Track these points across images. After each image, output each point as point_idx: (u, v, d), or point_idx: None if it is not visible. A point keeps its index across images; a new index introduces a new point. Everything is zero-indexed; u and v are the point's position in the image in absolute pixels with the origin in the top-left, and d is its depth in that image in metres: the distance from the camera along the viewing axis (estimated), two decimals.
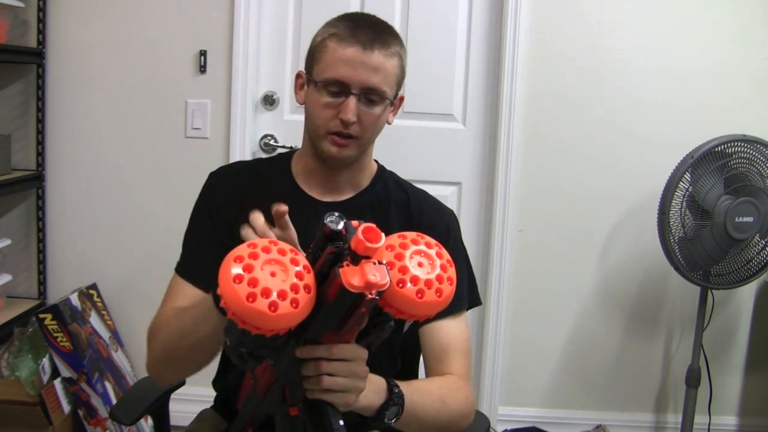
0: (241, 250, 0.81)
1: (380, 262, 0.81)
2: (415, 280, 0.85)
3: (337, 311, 0.83)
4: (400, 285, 0.85)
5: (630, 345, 2.60)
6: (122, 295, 2.56)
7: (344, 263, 0.81)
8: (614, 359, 2.61)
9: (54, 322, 2.25)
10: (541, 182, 2.52)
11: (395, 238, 0.90)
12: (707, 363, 2.48)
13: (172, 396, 1.50)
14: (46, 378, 2.26)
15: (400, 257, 0.86)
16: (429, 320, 1.27)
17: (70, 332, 2.26)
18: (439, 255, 0.89)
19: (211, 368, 1.45)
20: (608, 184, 2.51)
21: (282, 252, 0.81)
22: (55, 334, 2.25)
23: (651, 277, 2.55)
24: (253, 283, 0.78)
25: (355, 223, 0.84)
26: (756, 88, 2.47)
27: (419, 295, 0.85)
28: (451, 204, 2.54)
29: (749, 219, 2.18)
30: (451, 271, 0.89)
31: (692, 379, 2.38)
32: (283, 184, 1.34)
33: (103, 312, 2.52)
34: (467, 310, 1.37)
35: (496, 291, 2.54)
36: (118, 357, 2.49)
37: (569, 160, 2.51)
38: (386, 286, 0.80)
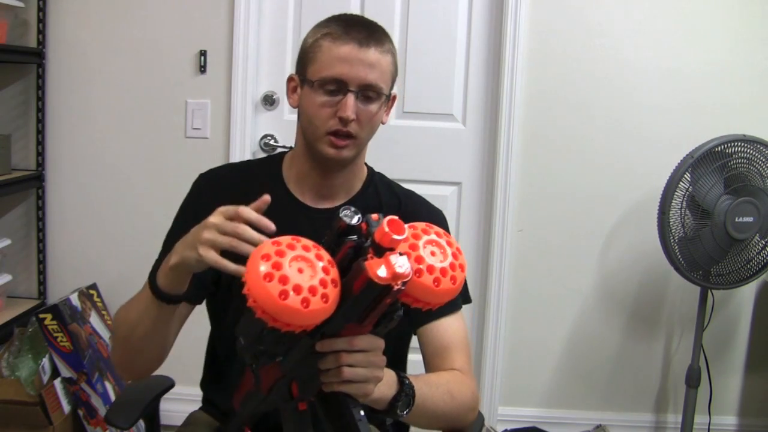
0: (267, 248, 0.81)
1: (400, 253, 0.82)
2: (431, 269, 0.86)
3: (362, 304, 0.83)
4: (418, 274, 0.86)
5: (630, 345, 2.60)
6: (122, 295, 2.52)
7: (368, 256, 0.82)
8: (614, 359, 2.61)
9: (54, 322, 2.25)
10: (541, 182, 2.52)
11: (407, 229, 0.90)
12: (707, 363, 2.48)
13: (163, 396, 1.50)
14: (46, 378, 2.26)
15: (414, 248, 0.87)
16: (428, 319, 1.29)
17: (70, 332, 2.26)
18: (449, 243, 0.90)
19: (201, 367, 1.45)
20: (608, 183, 2.51)
21: (306, 248, 0.82)
22: (55, 334, 2.26)
23: (651, 277, 2.55)
24: (283, 280, 0.78)
25: (374, 216, 0.85)
26: (756, 88, 2.47)
27: (436, 284, 0.86)
28: (451, 204, 2.54)
29: (749, 219, 2.18)
30: (462, 258, 0.90)
31: (692, 379, 2.38)
32: (275, 190, 1.33)
33: (103, 312, 2.52)
34: (461, 307, 1.37)
35: (496, 291, 2.54)
36: None
37: (569, 160, 2.51)
38: (410, 276, 0.81)
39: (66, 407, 2.26)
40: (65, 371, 2.26)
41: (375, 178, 1.39)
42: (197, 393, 1.47)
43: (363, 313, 0.85)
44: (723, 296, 2.52)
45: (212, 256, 1.00)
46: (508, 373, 2.61)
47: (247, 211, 1.00)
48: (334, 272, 0.82)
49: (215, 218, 1.01)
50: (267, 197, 1.03)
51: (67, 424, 2.26)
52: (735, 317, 2.60)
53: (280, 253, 0.80)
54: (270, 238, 0.86)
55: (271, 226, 0.99)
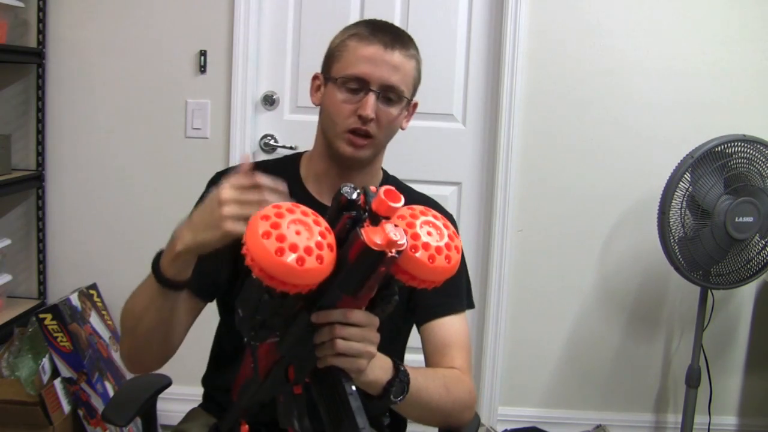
0: (267, 210, 0.84)
1: (396, 225, 0.85)
2: (426, 246, 0.89)
3: (358, 271, 0.86)
4: (413, 250, 0.88)
5: (630, 345, 2.60)
6: (122, 295, 2.52)
7: (364, 224, 0.85)
8: (614, 359, 2.61)
9: (54, 322, 2.25)
10: (541, 182, 2.53)
11: (405, 210, 0.92)
12: (707, 363, 2.48)
13: (160, 395, 1.51)
14: (46, 378, 2.26)
15: (411, 225, 0.90)
16: (431, 316, 1.30)
17: (70, 332, 2.26)
18: (446, 226, 0.92)
19: (200, 366, 1.46)
20: (608, 183, 2.51)
21: (305, 213, 0.85)
22: (55, 334, 2.25)
23: (651, 277, 2.55)
24: (281, 238, 0.81)
25: (372, 188, 0.88)
26: (756, 88, 2.47)
27: (431, 260, 0.88)
28: (451, 204, 2.55)
29: (749, 219, 2.18)
30: (458, 242, 0.92)
31: (692, 379, 2.38)
32: (293, 190, 1.34)
33: (103, 312, 2.52)
34: (465, 310, 1.38)
35: (496, 291, 2.54)
36: (118, 357, 2.49)
37: (569, 160, 2.51)
38: (405, 246, 0.84)
39: (66, 407, 2.26)
40: (65, 371, 2.26)
41: (390, 181, 1.41)
42: (196, 392, 1.47)
43: (359, 283, 0.87)
44: (723, 296, 2.52)
45: (243, 228, 0.99)
46: (508, 373, 2.61)
47: (264, 178, 1.01)
48: (330, 238, 0.85)
49: (229, 193, 1.01)
50: (247, 155, 1.06)
51: (67, 424, 2.26)
52: (735, 317, 2.60)
53: (280, 215, 0.83)
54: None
55: (282, 186, 1.02)
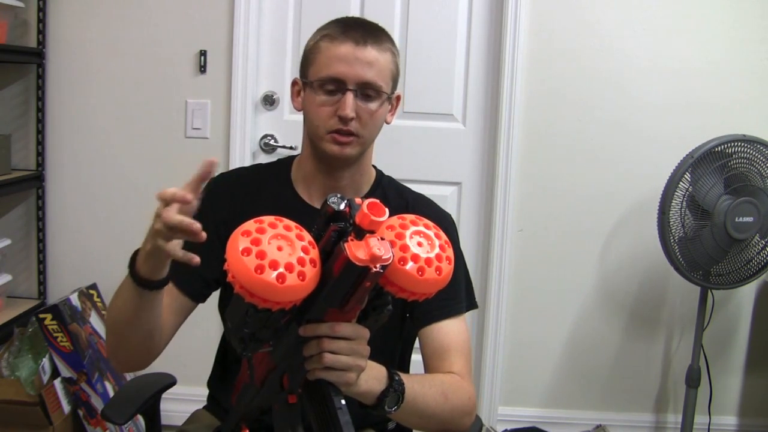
0: (248, 225, 0.83)
1: (382, 239, 0.84)
2: (415, 258, 0.87)
3: (342, 286, 0.84)
4: (402, 263, 0.87)
5: (630, 345, 2.60)
6: None
7: (348, 238, 0.83)
8: (614, 359, 2.61)
9: (54, 322, 2.25)
10: (541, 182, 2.53)
11: (395, 219, 0.91)
12: (707, 363, 2.48)
13: (164, 396, 1.50)
14: (46, 378, 2.26)
15: (400, 236, 0.89)
16: (429, 320, 1.29)
17: (70, 332, 2.26)
18: (437, 236, 0.91)
19: (205, 367, 1.46)
20: (608, 183, 2.51)
21: (288, 228, 0.84)
22: (55, 334, 2.25)
23: (651, 277, 2.55)
24: (261, 255, 0.80)
25: (358, 200, 0.86)
26: (756, 88, 2.47)
27: (420, 273, 0.87)
28: (451, 204, 2.55)
29: (749, 219, 2.18)
30: (449, 251, 0.91)
31: (692, 379, 2.38)
32: (283, 193, 1.35)
33: (103, 312, 2.52)
34: (465, 312, 1.37)
35: (496, 291, 2.54)
36: None
37: (569, 160, 2.51)
38: (390, 260, 0.82)
39: (66, 407, 2.26)
40: (65, 371, 2.26)
41: (384, 180, 1.39)
42: (200, 393, 1.47)
43: (344, 297, 0.86)
44: (723, 296, 2.52)
45: (181, 257, 0.99)
46: (508, 373, 2.61)
47: (171, 217, 0.97)
48: (314, 253, 0.84)
49: (158, 223, 0.99)
50: (214, 160, 1.03)
51: (67, 424, 2.26)
52: (735, 317, 2.60)
53: (261, 230, 0.82)
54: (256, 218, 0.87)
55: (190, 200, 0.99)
